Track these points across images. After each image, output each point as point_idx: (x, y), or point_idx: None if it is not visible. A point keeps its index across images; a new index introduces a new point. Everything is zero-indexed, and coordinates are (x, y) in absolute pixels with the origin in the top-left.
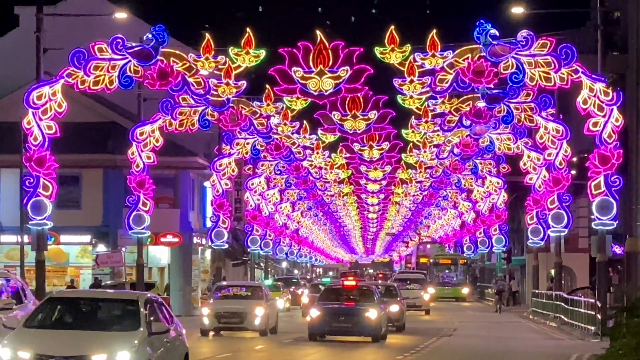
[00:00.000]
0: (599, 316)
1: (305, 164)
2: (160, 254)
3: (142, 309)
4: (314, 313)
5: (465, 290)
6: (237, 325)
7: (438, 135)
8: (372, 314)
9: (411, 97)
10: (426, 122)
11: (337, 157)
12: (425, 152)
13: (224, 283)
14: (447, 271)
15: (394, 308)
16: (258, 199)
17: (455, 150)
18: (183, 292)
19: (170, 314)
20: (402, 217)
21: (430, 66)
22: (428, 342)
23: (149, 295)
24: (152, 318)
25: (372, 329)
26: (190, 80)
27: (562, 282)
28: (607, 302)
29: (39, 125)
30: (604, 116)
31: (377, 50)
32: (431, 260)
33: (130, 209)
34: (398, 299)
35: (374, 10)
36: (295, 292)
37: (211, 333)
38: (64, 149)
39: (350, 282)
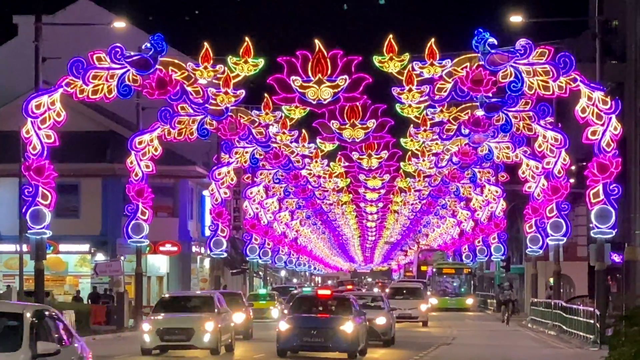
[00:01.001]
0: (597, 325)
1: (304, 172)
2: (159, 263)
3: (25, 326)
4: (283, 326)
5: (470, 301)
6: (183, 343)
7: (437, 143)
8: (347, 327)
9: (410, 105)
10: (425, 130)
11: (335, 166)
12: (423, 160)
13: (167, 295)
14: (450, 281)
15: (381, 320)
16: (257, 208)
17: (454, 159)
18: None
19: (70, 331)
20: (401, 225)
21: (428, 75)
22: (417, 356)
23: (39, 308)
24: (39, 336)
25: (348, 343)
26: (189, 89)
27: (561, 290)
28: (606, 310)
29: (37, 135)
30: (602, 125)
31: (376, 59)
32: (433, 270)
33: (129, 218)
34: (385, 310)
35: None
36: None
37: (154, 352)
38: (63, 158)
39: (324, 291)
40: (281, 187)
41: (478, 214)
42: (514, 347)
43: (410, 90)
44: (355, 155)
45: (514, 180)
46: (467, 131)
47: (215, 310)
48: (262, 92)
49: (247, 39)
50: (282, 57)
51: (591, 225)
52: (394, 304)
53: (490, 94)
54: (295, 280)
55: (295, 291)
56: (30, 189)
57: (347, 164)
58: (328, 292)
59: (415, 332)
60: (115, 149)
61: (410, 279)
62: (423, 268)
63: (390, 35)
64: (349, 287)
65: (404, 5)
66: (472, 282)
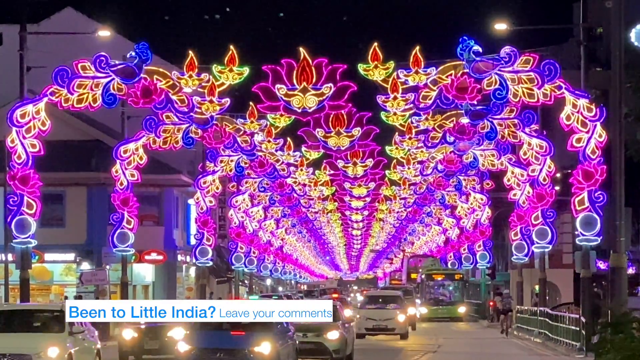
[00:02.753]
0: (583, 332)
1: (289, 181)
2: (144, 272)
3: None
4: (182, 347)
5: (462, 310)
6: None
7: (422, 151)
8: (264, 348)
9: (395, 113)
10: (410, 138)
11: (321, 174)
12: (409, 168)
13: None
14: (440, 288)
15: (333, 335)
16: (242, 216)
17: (439, 167)
18: None
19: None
20: (386, 233)
21: (413, 83)
22: None
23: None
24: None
25: None
26: (174, 98)
27: (547, 298)
28: (591, 317)
29: (22, 144)
30: (587, 132)
31: (361, 67)
32: (422, 276)
33: (114, 227)
34: (339, 322)
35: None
36: None
37: None
38: (48, 167)
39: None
40: (266, 196)
41: (463, 222)
42: (500, 355)
43: (395, 98)
44: (340, 164)
45: (499, 187)
46: (452, 139)
47: (64, 329)
48: (247, 100)
49: (232, 47)
50: (267, 65)
51: (576, 232)
52: (368, 315)
53: (475, 102)
54: (280, 289)
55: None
56: (15, 198)
57: (332, 172)
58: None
59: (387, 346)
60: (101, 157)
61: (394, 286)
62: (413, 276)
63: (375, 43)
64: (334, 295)
65: (388, 13)
66: (464, 289)
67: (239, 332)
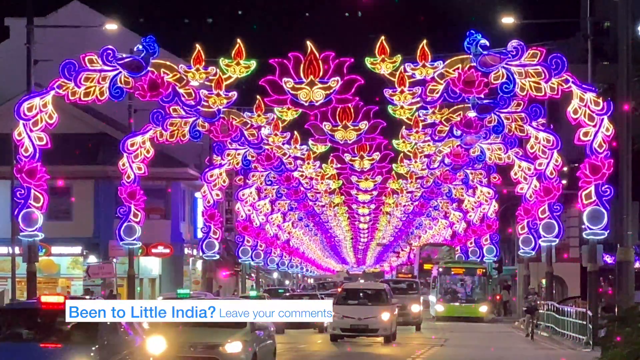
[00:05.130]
0: (590, 326)
1: (296, 174)
2: (151, 265)
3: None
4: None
5: (484, 309)
6: None
7: (429, 145)
8: (235, 347)
9: (402, 107)
10: (417, 132)
11: (327, 168)
12: (416, 162)
13: None
14: (460, 283)
15: (234, 347)
16: (249, 210)
17: (446, 161)
18: None
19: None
20: (393, 227)
21: (420, 76)
22: None
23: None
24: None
25: None
26: (181, 91)
27: (554, 291)
28: (598, 311)
29: (29, 137)
30: (594, 126)
31: (368, 61)
32: (439, 269)
33: (121, 220)
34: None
35: (359, 13)
36: None
37: None
38: (55, 160)
39: (52, 298)
40: (273, 189)
41: (470, 216)
42: (507, 349)
43: (402, 91)
44: (347, 157)
45: (506, 181)
46: (459, 133)
47: None
48: (254, 94)
49: (239, 40)
50: (274, 58)
51: (583, 226)
52: (345, 312)
53: (482, 96)
54: (287, 282)
55: (288, 294)
56: (23, 192)
57: (339, 165)
58: (56, 299)
59: (367, 353)
60: (107, 151)
61: (404, 278)
62: (426, 266)
63: (382, 37)
64: (340, 289)
65: (395, 6)
66: (486, 285)
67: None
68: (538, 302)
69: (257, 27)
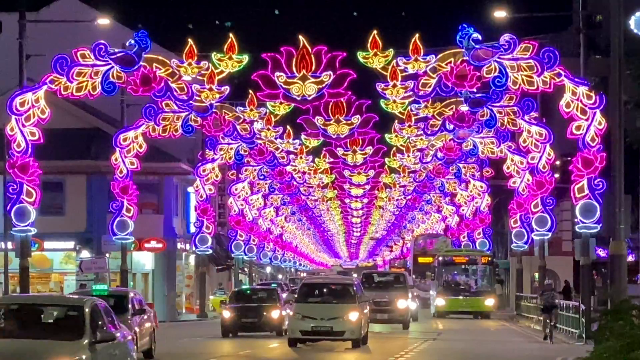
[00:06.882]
0: (583, 319)
1: (288, 168)
2: (144, 260)
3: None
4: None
5: (490, 302)
6: None
7: (421, 139)
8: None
9: (394, 101)
10: (409, 126)
11: (320, 162)
12: (408, 156)
13: None
14: (462, 274)
15: None
16: (242, 204)
17: (439, 154)
18: (167, 297)
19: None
20: (386, 221)
21: (413, 70)
22: None
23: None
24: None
25: None
26: (173, 86)
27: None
28: (591, 305)
29: (22, 132)
30: (587, 119)
31: (360, 55)
32: (439, 259)
33: (114, 215)
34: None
35: (355, 13)
36: None
37: None
38: (48, 155)
39: None
40: (266, 184)
41: (463, 210)
42: (499, 342)
43: (394, 85)
44: (340, 151)
45: (499, 175)
46: (451, 126)
47: None
48: (247, 88)
49: (231, 35)
50: (266, 53)
51: (576, 220)
52: (305, 312)
53: (474, 89)
54: (280, 277)
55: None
56: (15, 187)
57: (332, 159)
58: None
59: None
60: (100, 146)
61: (382, 271)
62: (422, 260)
63: (375, 31)
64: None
65: (388, 0)
66: (492, 275)
67: None
68: (557, 300)
69: (246, 16)
